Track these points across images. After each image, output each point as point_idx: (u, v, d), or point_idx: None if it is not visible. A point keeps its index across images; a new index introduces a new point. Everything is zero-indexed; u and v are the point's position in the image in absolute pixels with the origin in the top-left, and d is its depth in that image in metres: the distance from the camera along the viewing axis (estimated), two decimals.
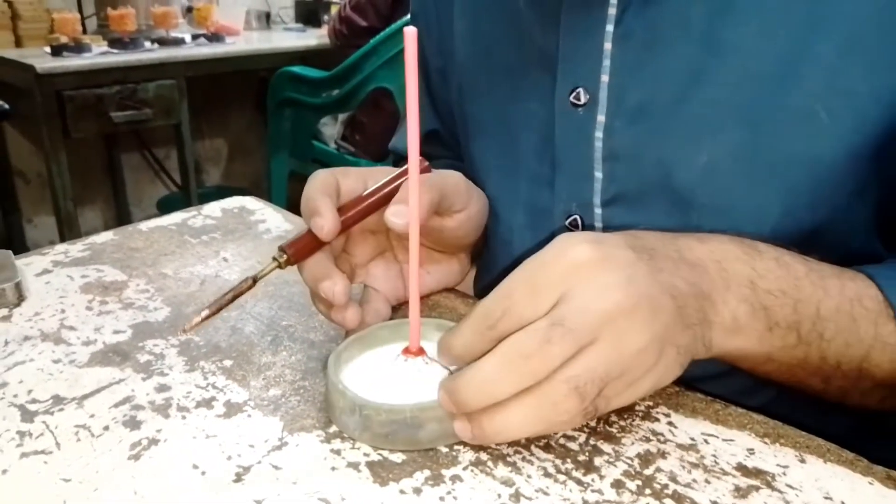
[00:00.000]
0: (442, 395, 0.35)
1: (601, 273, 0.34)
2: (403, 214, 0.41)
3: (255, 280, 0.43)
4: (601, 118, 0.47)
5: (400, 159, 0.71)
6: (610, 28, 0.45)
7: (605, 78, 0.46)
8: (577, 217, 0.51)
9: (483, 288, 0.63)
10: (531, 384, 0.33)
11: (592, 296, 0.34)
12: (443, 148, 0.69)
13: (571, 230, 0.51)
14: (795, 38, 0.41)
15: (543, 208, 0.53)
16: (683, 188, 0.45)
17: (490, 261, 0.60)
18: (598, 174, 0.49)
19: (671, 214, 0.46)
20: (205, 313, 0.41)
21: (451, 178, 0.49)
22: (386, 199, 0.45)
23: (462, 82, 0.59)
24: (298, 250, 0.43)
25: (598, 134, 0.48)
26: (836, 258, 0.42)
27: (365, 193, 0.46)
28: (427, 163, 0.49)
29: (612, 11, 0.45)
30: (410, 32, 0.34)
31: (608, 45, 0.46)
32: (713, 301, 0.38)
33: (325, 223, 0.42)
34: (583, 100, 0.48)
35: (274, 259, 0.43)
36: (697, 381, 0.42)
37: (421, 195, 0.43)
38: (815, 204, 0.43)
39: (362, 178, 0.47)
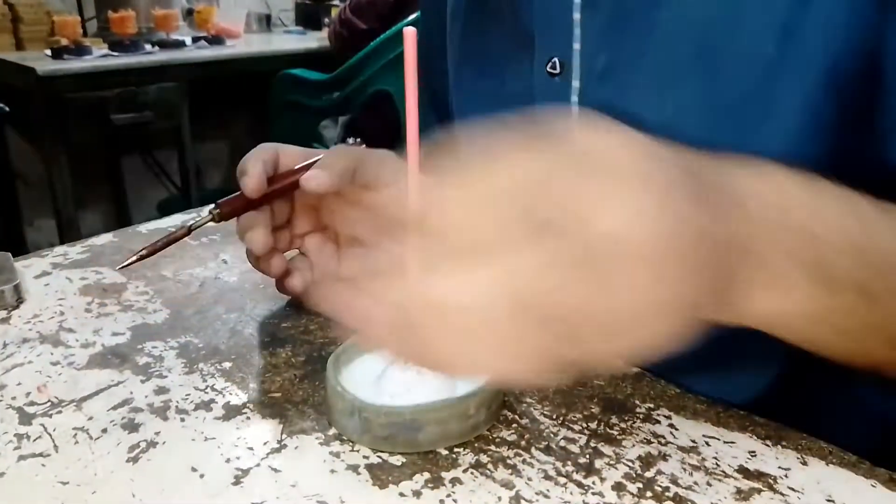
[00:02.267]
0: None
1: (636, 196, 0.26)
2: (316, 178, 0.47)
3: (190, 229, 0.48)
4: (576, 83, 0.50)
5: None
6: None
7: (576, 46, 0.49)
8: None
9: None
10: None
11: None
12: None
13: None
14: None
15: None
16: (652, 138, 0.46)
17: None
18: None
19: None
20: (142, 253, 0.46)
21: (379, 154, 0.53)
22: None
23: (453, 77, 0.61)
24: (233, 207, 0.48)
25: (574, 98, 0.50)
26: None
27: (299, 166, 0.50)
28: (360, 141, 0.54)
29: None
30: (410, 33, 0.34)
31: (577, 16, 0.49)
32: (749, 253, 0.30)
33: (250, 180, 0.47)
34: (558, 69, 0.50)
35: (209, 213, 0.48)
36: (675, 372, 0.42)
37: (336, 162, 0.49)
38: (771, 143, 0.42)
39: (303, 157, 0.52)
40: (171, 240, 0.47)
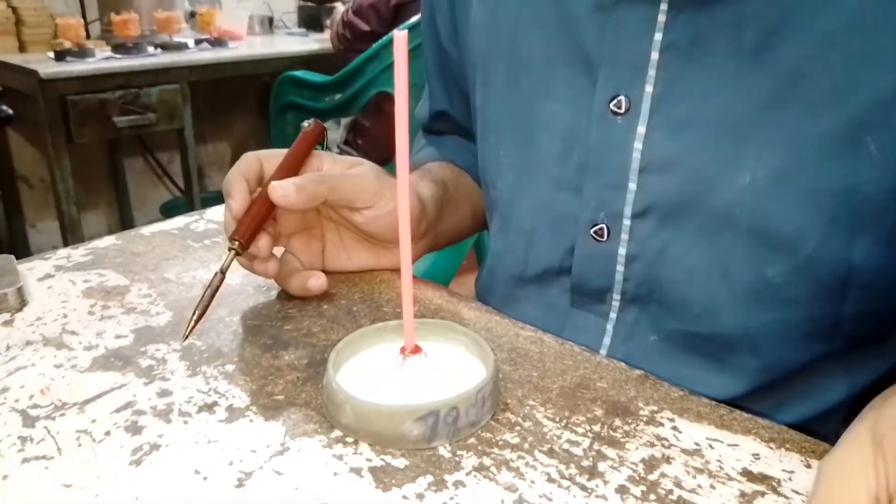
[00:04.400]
0: None
1: None
2: (284, 192, 0.48)
3: (223, 273, 0.48)
4: (641, 129, 0.46)
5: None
6: (658, 36, 0.44)
7: (648, 88, 0.45)
8: (605, 226, 0.49)
9: (486, 289, 0.63)
10: None
11: None
12: (453, 126, 0.70)
13: (596, 239, 0.50)
14: (852, 67, 0.39)
15: (565, 214, 0.51)
16: (722, 207, 0.44)
17: (497, 262, 0.60)
18: (632, 185, 0.47)
19: (704, 232, 0.45)
20: (195, 317, 0.46)
21: (355, 177, 0.52)
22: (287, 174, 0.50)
23: (478, 74, 0.57)
24: (248, 235, 0.49)
25: (637, 145, 0.46)
26: (875, 305, 0.41)
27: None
28: (320, 123, 0.55)
29: (662, 18, 0.44)
30: (401, 36, 0.34)
31: (655, 55, 0.44)
32: None
33: (234, 204, 0.49)
34: (623, 108, 0.46)
35: (230, 249, 0.49)
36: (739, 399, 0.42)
37: (309, 185, 0.49)
38: (854, 235, 0.42)
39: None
40: (214, 291, 0.47)
